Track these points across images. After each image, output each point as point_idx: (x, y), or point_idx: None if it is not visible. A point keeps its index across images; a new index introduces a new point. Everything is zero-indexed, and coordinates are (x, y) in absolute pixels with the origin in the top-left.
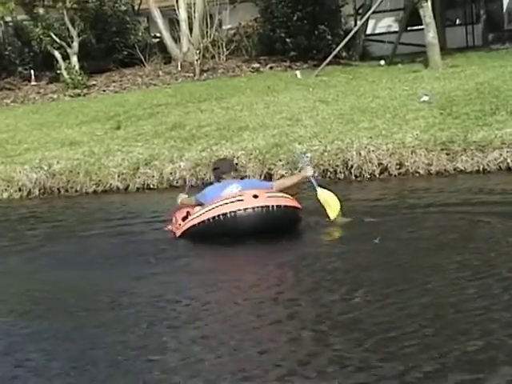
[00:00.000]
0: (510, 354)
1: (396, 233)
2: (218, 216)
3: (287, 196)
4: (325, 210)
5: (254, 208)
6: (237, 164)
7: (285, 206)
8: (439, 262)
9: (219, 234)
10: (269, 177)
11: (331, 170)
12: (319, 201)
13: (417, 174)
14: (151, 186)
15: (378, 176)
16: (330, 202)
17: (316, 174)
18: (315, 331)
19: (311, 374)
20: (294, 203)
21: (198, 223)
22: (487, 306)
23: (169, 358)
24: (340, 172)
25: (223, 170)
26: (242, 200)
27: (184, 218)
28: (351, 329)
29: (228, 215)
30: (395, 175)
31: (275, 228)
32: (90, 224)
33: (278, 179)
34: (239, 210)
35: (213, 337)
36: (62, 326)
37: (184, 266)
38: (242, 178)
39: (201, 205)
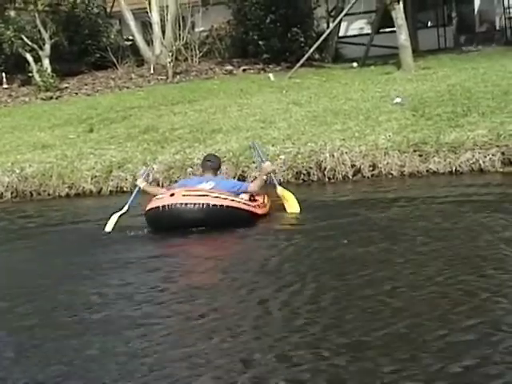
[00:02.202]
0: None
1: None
2: (150, 209)
3: (218, 195)
4: (284, 204)
5: (166, 206)
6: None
7: (207, 205)
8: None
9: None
10: (242, 179)
11: (304, 172)
12: (279, 196)
13: (390, 176)
14: (124, 189)
15: (351, 178)
16: (288, 198)
17: (276, 170)
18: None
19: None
20: (222, 202)
21: (145, 213)
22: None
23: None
24: (313, 174)
25: (204, 167)
26: (161, 198)
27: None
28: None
29: (153, 209)
30: (368, 177)
31: (191, 223)
32: None
33: (252, 181)
34: (158, 206)
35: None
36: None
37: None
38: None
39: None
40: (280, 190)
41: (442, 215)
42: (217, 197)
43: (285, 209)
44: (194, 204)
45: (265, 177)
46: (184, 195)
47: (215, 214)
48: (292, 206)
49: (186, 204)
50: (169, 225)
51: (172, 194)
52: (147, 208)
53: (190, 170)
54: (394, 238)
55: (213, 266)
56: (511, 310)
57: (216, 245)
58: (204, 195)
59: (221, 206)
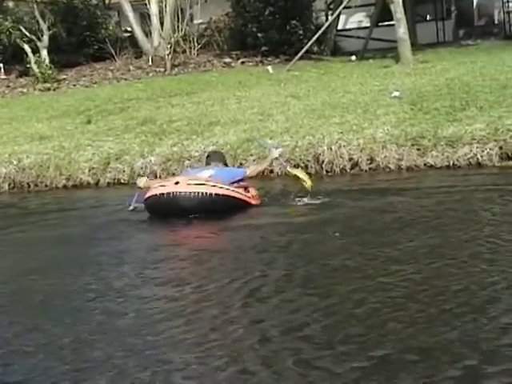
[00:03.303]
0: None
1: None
2: (152, 196)
3: (215, 184)
4: (299, 179)
5: (175, 193)
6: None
7: (204, 193)
8: None
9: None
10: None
11: (302, 165)
12: (291, 175)
13: (387, 169)
14: (122, 181)
15: (349, 171)
16: (301, 174)
17: (282, 154)
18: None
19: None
20: (219, 190)
21: (146, 199)
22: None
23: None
24: (311, 167)
25: (208, 160)
26: (164, 185)
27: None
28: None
29: (155, 196)
30: (366, 170)
31: (196, 211)
32: None
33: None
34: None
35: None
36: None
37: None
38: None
39: None
40: (290, 169)
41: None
42: (214, 186)
43: (302, 185)
44: (191, 192)
45: (268, 163)
46: (188, 184)
47: (212, 202)
48: (306, 180)
49: (185, 192)
50: (168, 211)
51: (176, 182)
52: (148, 195)
53: (187, 162)
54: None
55: (205, 257)
56: None
57: (212, 236)
58: (202, 184)
59: (216, 194)
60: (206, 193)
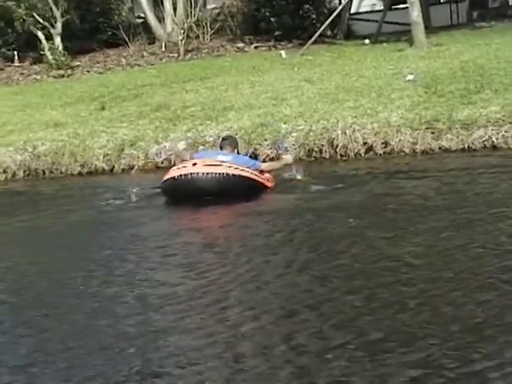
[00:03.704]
0: None
1: None
2: (176, 177)
3: (231, 165)
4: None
5: (198, 173)
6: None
7: (227, 174)
8: None
9: (176, 193)
10: (254, 157)
11: (316, 149)
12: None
13: (402, 153)
14: (136, 167)
15: (363, 155)
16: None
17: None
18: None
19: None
20: (236, 171)
21: (164, 181)
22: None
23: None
24: (325, 151)
25: (222, 144)
26: (196, 165)
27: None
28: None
29: (173, 179)
30: (380, 154)
31: (216, 192)
32: None
33: (264, 161)
34: (191, 173)
35: None
36: None
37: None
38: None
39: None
40: (300, 177)
41: None
42: (230, 167)
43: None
44: (213, 173)
45: (280, 165)
46: (206, 165)
47: (229, 183)
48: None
49: (203, 173)
50: (186, 193)
51: (194, 164)
52: (166, 177)
53: (201, 147)
54: None
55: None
56: None
57: (223, 221)
58: (218, 165)
59: (233, 175)
60: (224, 173)
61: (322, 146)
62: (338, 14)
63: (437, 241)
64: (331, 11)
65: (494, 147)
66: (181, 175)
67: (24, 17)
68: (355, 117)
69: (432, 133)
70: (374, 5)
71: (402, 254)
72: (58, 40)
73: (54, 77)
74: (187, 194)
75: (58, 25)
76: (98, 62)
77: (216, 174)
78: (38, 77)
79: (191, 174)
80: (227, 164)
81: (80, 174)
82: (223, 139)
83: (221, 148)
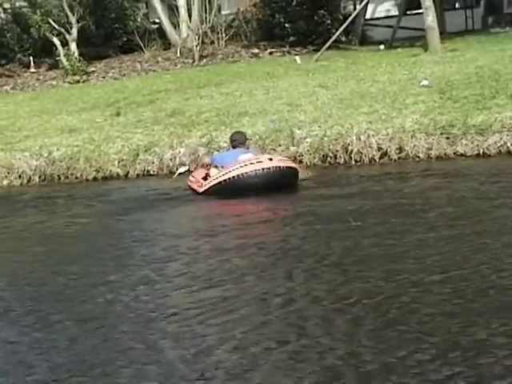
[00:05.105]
0: None
1: None
2: (243, 174)
3: (289, 160)
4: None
5: (271, 168)
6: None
7: (290, 167)
8: None
9: (243, 188)
10: None
11: (331, 154)
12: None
13: (417, 159)
14: (151, 173)
15: (377, 161)
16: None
17: None
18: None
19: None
20: (295, 165)
21: (225, 180)
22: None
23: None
24: (340, 157)
25: (240, 140)
26: (261, 161)
27: (204, 178)
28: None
29: (252, 173)
30: (395, 160)
31: (284, 183)
32: None
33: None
34: (263, 168)
35: None
36: None
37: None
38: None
39: (217, 167)
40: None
41: None
42: (290, 161)
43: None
44: (286, 167)
45: None
46: (280, 160)
47: (296, 174)
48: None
49: (282, 167)
50: (266, 186)
51: (270, 159)
52: (237, 173)
53: (215, 153)
54: None
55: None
56: None
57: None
58: (286, 160)
59: (296, 168)
60: (292, 167)
61: (337, 151)
62: (353, 20)
63: None
64: (346, 17)
65: (509, 153)
66: (263, 168)
67: (40, 23)
68: (370, 122)
69: (447, 138)
70: (388, 10)
71: None
72: (73, 46)
73: (70, 82)
74: (266, 187)
75: (74, 31)
76: (113, 68)
77: (288, 167)
78: (54, 82)
79: (273, 167)
80: (278, 158)
81: (95, 179)
82: (235, 140)
83: (234, 147)
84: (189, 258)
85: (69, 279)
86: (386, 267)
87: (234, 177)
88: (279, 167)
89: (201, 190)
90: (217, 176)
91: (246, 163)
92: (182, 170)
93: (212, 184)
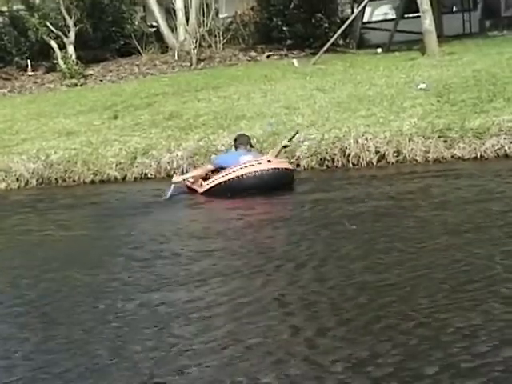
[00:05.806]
0: None
1: None
2: (243, 175)
3: (285, 161)
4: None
5: (269, 169)
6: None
7: (287, 169)
8: None
9: (243, 189)
10: None
11: (329, 158)
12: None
13: (414, 162)
14: (149, 176)
15: (375, 164)
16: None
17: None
18: None
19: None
20: (291, 166)
21: (225, 181)
22: None
23: None
24: (337, 160)
25: (241, 141)
26: (260, 163)
27: (204, 179)
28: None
29: (250, 174)
30: (393, 163)
31: (280, 184)
32: None
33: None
34: (262, 170)
35: None
36: None
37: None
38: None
39: (217, 168)
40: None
41: None
42: (287, 163)
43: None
44: (287, 169)
45: (279, 148)
46: (278, 162)
47: (291, 176)
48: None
49: (280, 168)
50: (266, 186)
51: (269, 161)
52: (237, 174)
53: (213, 156)
54: None
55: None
56: None
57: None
58: (284, 162)
59: (292, 169)
60: (288, 168)
61: (335, 154)
62: (351, 23)
63: None
64: (343, 20)
65: (507, 156)
66: (265, 169)
67: (37, 26)
68: (367, 125)
69: (444, 141)
70: (386, 13)
71: None
72: (70, 49)
73: (67, 86)
74: (266, 187)
75: (71, 34)
76: (110, 71)
77: (286, 169)
78: (51, 85)
79: (272, 169)
80: (276, 160)
81: (93, 182)
82: (237, 139)
83: (236, 148)
84: (181, 260)
85: (67, 284)
86: (380, 274)
87: (233, 178)
88: (277, 169)
89: (201, 190)
90: (217, 177)
91: (246, 165)
92: (171, 191)
93: (212, 185)
